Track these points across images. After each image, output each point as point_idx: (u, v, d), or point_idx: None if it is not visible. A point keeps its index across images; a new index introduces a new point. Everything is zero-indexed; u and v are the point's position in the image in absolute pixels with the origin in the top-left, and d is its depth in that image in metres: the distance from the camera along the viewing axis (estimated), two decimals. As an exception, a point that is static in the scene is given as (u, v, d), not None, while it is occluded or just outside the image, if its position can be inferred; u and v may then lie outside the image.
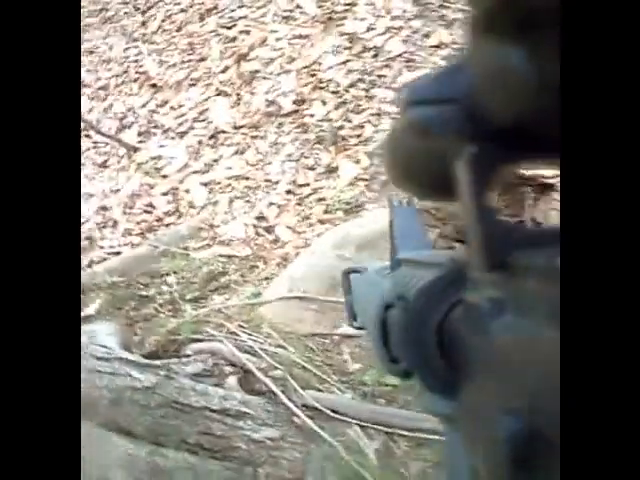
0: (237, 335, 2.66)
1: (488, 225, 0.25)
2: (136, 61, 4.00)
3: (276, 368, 2.50)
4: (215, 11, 3.85)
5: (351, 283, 0.75)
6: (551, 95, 0.20)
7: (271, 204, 3.17)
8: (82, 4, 4.06)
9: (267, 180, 3.25)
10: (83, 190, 3.68)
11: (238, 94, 3.57)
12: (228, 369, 2.59)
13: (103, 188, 3.75)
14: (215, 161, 3.46)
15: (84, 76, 4.09)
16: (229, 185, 3.32)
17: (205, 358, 2.63)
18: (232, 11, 3.82)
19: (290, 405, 2.39)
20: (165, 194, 3.52)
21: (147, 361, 2.49)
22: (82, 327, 2.43)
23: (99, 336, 2.70)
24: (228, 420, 2.37)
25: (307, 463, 2.29)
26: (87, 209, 3.67)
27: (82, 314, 2.79)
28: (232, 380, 2.55)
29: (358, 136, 3.16)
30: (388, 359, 0.39)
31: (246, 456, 2.34)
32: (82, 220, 3.56)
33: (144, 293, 3.02)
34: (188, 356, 2.66)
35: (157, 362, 2.49)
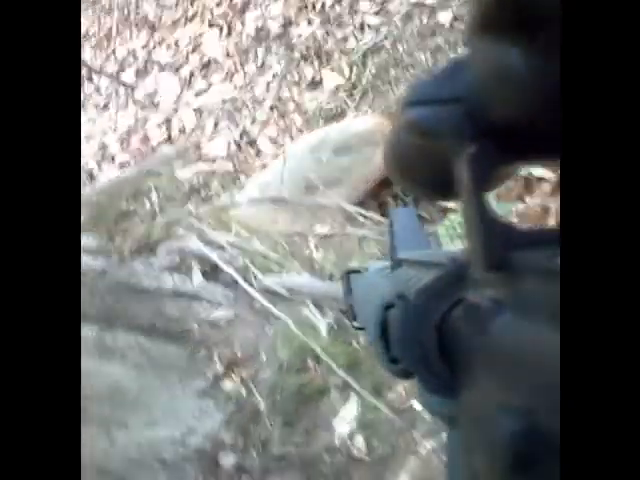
0: (206, 234, 2.63)
1: (488, 225, 0.25)
2: (137, 7, 4.05)
3: (239, 258, 2.46)
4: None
5: (351, 283, 0.74)
6: (551, 94, 0.20)
7: (254, 120, 3.14)
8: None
9: (253, 99, 3.23)
10: (85, 131, 3.73)
11: (230, 25, 3.57)
12: (194, 263, 2.56)
13: (103, 128, 3.79)
14: (206, 90, 3.46)
15: (89, 26, 4.16)
16: (218, 109, 3.31)
17: (173, 254, 2.61)
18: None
19: (248, 288, 2.34)
20: (159, 125, 3.53)
21: (99, 246, 2.48)
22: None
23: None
24: (183, 303, 2.34)
25: (260, 340, 2.23)
26: (88, 149, 3.71)
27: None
28: (197, 271, 2.52)
29: (341, 49, 3.11)
30: (388, 359, 0.39)
31: (199, 337, 2.30)
32: (82, 160, 3.60)
33: (126, 209, 3.02)
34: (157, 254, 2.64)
35: (110, 247, 2.47)
